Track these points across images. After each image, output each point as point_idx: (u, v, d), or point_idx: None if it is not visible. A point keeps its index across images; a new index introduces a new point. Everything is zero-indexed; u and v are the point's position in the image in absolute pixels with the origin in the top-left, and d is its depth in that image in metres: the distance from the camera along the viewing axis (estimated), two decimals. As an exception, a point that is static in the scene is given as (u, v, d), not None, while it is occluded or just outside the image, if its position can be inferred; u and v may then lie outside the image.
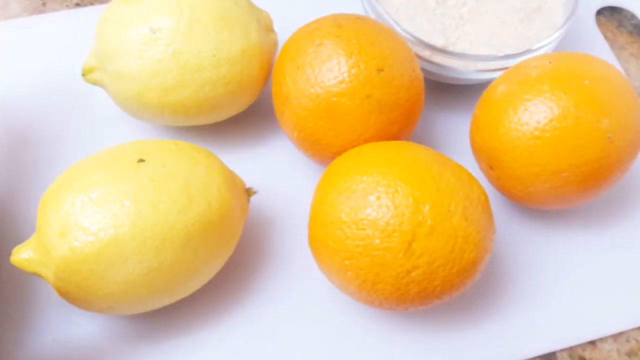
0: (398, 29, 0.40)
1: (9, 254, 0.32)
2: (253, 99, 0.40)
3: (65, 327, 0.35)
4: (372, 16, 0.42)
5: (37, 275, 0.32)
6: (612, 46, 0.50)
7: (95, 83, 0.39)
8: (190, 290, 0.34)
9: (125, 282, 0.30)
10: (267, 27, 0.40)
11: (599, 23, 0.51)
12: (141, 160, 0.31)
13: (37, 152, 0.41)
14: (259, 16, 0.39)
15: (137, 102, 0.37)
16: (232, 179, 0.35)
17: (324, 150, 0.37)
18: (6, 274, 0.37)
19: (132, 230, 0.30)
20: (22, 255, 0.31)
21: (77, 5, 0.48)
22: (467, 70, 0.41)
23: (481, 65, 0.40)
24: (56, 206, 0.30)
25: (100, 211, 0.30)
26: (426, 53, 0.40)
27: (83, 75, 0.39)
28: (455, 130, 0.44)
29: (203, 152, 0.34)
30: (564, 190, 0.35)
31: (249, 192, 0.36)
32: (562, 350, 0.37)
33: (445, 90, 0.45)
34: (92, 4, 0.48)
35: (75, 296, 0.31)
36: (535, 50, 0.40)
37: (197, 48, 0.36)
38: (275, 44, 0.40)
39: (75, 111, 0.43)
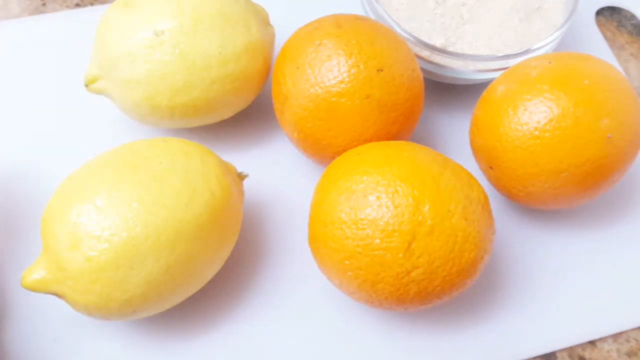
0: (398, 29, 0.40)
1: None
2: (257, 92, 0.40)
3: (66, 327, 0.35)
4: (372, 16, 0.42)
5: (52, 294, 0.31)
6: (612, 46, 0.50)
7: (99, 92, 0.38)
8: (205, 280, 0.34)
9: (147, 283, 0.30)
10: (265, 21, 0.40)
11: (599, 23, 0.51)
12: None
13: (36, 157, 0.41)
14: (256, 10, 0.39)
15: (147, 107, 0.37)
16: (225, 166, 0.35)
17: (324, 150, 0.37)
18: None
19: (145, 230, 0.30)
20: (34, 277, 0.31)
21: (77, 5, 0.48)
22: (466, 70, 0.41)
23: (481, 65, 0.40)
24: (61, 220, 0.30)
25: (109, 216, 0.30)
26: (426, 53, 0.40)
27: (86, 85, 0.38)
28: (455, 130, 0.44)
29: (192, 144, 0.34)
30: (564, 190, 0.35)
31: (241, 177, 0.36)
32: (562, 350, 0.37)
33: (445, 90, 0.45)
34: (92, 4, 0.48)
35: (97, 307, 0.31)
36: (535, 50, 0.40)
37: (203, 47, 0.36)
38: (273, 37, 0.41)
39: (74, 111, 0.43)
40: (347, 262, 0.31)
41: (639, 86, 0.48)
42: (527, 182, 0.35)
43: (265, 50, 0.39)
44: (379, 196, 0.31)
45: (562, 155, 0.34)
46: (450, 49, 0.41)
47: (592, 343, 0.38)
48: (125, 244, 0.30)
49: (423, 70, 0.42)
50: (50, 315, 0.36)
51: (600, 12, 0.51)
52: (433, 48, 0.40)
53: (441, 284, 0.31)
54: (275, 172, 0.41)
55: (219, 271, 0.36)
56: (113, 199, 0.30)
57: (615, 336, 0.38)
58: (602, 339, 0.38)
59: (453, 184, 0.32)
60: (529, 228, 0.40)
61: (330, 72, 0.35)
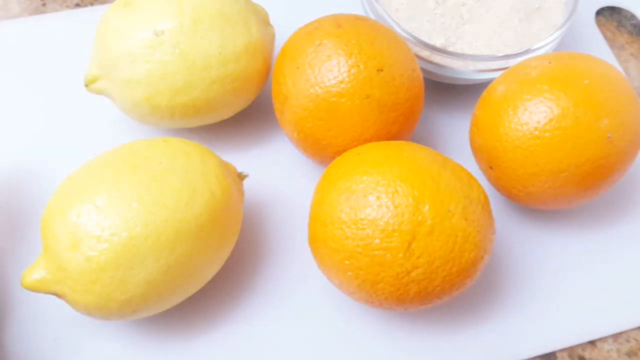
0: (398, 29, 0.40)
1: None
2: (257, 92, 0.40)
3: (66, 327, 0.35)
4: (372, 16, 0.42)
5: (52, 294, 0.31)
6: (612, 46, 0.50)
7: (99, 92, 0.38)
8: (205, 280, 0.34)
9: (147, 283, 0.30)
10: (265, 21, 0.40)
11: (599, 23, 0.51)
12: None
13: (36, 157, 0.41)
14: (256, 10, 0.39)
15: (146, 107, 0.37)
16: (225, 166, 0.35)
17: (324, 150, 0.37)
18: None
19: (145, 230, 0.30)
20: (34, 277, 0.31)
21: (77, 5, 0.48)
22: (466, 70, 0.41)
23: (481, 65, 0.40)
24: (61, 220, 0.30)
25: (109, 216, 0.30)
26: (426, 53, 0.40)
27: (86, 85, 0.38)
28: (455, 130, 0.44)
29: (192, 144, 0.34)
30: (564, 190, 0.35)
31: (241, 177, 0.36)
32: (562, 350, 0.37)
33: (445, 90, 0.45)
34: (92, 4, 0.48)
35: (97, 307, 0.31)
36: (535, 50, 0.40)
37: (203, 47, 0.36)
38: (273, 37, 0.41)
39: (74, 111, 0.43)
40: (347, 262, 0.31)
41: (639, 86, 0.48)
42: (527, 182, 0.35)
43: (265, 50, 0.39)
44: (379, 196, 0.31)
45: (562, 155, 0.34)
46: (450, 49, 0.41)
47: (592, 343, 0.38)
48: (125, 244, 0.30)
49: (423, 70, 0.42)
50: (50, 315, 0.36)
51: (600, 12, 0.51)
52: (433, 48, 0.40)
53: (441, 284, 0.31)
54: (275, 172, 0.41)
55: (219, 271, 0.36)
56: (113, 199, 0.30)
57: (615, 336, 0.38)
58: (602, 339, 0.38)
59: (453, 184, 0.32)
60: (529, 228, 0.40)
61: (330, 72, 0.35)
